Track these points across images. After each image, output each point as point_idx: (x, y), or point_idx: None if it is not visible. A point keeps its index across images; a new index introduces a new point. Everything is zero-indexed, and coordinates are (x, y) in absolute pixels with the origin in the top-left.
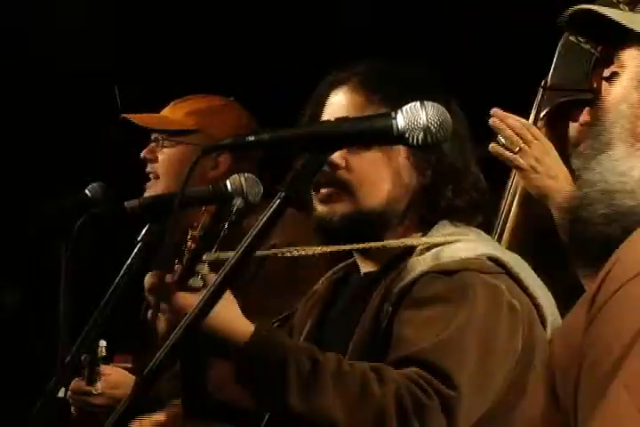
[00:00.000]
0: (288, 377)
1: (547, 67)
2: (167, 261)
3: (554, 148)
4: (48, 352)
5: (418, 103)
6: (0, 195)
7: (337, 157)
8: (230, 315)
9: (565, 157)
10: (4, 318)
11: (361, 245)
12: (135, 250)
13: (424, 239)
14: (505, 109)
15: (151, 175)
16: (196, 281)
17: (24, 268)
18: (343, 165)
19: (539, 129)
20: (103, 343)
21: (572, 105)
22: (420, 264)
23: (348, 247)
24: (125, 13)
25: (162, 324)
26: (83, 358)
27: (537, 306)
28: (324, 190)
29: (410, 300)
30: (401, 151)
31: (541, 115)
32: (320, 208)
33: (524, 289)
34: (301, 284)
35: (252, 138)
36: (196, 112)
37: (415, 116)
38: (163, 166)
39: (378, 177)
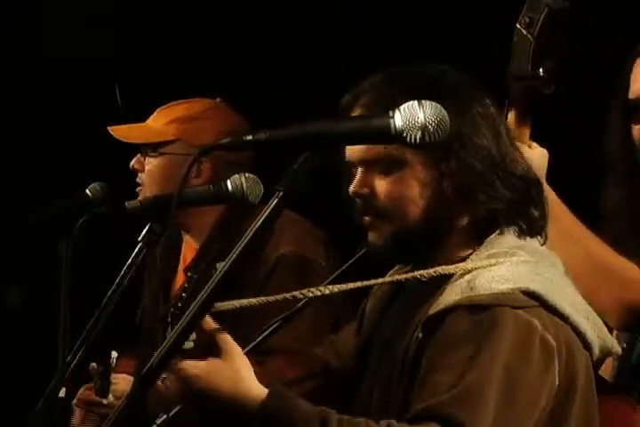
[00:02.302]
0: None
1: None
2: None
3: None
4: (48, 352)
5: (415, 102)
6: (1, 194)
7: (360, 187)
8: (240, 382)
9: None
10: (4, 317)
11: (379, 281)
12: (135, 250)
13: (460, 266)
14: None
15: (140, 185)
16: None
17: (25, 267)
18: (368, 193)
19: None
20: (115, 355)
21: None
22: (453, 292)
23: (371, 283)
24: (127, 14)
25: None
26: (94, 368)
27: (579, 334)
28: (365, 218)
29: (438, 338)
30: (419, 166)
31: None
32: (369, 235)
33: (565, 319)
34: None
35: (249, 137)
36: (176, 121)
37: (413, 115)
38: (148, 177)
39: (406, 197)
